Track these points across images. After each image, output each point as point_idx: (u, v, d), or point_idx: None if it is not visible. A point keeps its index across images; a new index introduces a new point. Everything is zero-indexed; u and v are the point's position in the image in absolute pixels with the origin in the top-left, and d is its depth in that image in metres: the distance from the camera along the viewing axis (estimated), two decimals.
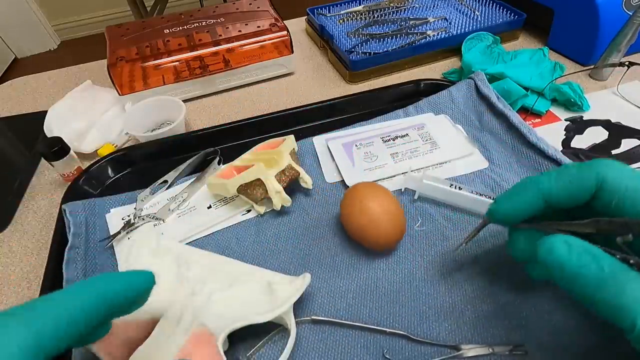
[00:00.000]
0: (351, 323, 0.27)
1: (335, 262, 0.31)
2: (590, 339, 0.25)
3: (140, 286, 0.18)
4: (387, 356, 0.25)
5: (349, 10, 0.64)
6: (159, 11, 1.63)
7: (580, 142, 0.41)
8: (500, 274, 0.29)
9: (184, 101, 0.48)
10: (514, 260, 0.25)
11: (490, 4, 0.60)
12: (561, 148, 0.41)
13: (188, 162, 0.40)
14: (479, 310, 0.27)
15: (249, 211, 0.36)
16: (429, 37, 0.55)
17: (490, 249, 0.31)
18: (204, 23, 0.56)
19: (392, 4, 0.64)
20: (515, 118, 0.39)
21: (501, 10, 0.59)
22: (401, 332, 0.26)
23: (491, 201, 0.32)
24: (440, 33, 0.56)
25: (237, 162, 0.38)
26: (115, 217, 0.36)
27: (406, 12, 0.63)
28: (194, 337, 0.24)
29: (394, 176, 0.37)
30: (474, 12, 0.59)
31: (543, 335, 0.26)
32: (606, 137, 0.42)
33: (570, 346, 0.25)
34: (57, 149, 0.39)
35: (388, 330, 0.26)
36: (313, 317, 0.27)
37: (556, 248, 0.18)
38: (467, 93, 0.44)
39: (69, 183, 0.40)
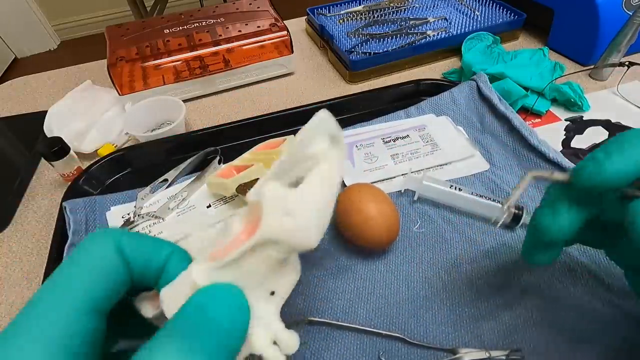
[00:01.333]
0: (347, 325, 0.27)
1: (332, 264, 0.31)
2: (587, 344, 0.25)
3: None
4: (383, 358, 0.25)
5: (349, 10, 0.63)
6: (159, 11, 1.63)
7: (580, 142, 0.41)
8: (498, 277, 0.29)
9: (184, 101, 0.48)
10: (539, 238, 0.20)
11: (490, 4, 0.60)
12: (561, 148, 0.41)
13: (188, 161, 0.40)
14: (477, 313, 0.27)
15: None
16: (429, 37, 0.55)
17: (490, 251, 0.31)
18: (204, 23, 0.56)
19: (392, 4, 0.64)
20: (517, 120, 0.39)
21: (501, 10, 0.59)
22: (397, 335, 0.26)
23: (492, 203, 0.32)
24: (440, 33, 0.56)
25: (237, 161, 0.38)
26: (115, 215, 0.36)
27: (406, 12, 0.63)
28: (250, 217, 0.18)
29: (394, 177, 0.37)
30: (474, 12, 0.59)
31: (540, 340, 0.26)
32: (606, 137, 0.42)
33: (566, 351, 0.25)
34: (57, 149, 0.39)
35: (384, 332, 0.26)
36: (309, 318, 0.27)
37: None
38: (469, 94, 0.44)
39: (69, 183, 0.40)
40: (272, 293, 0.15)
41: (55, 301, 0.13)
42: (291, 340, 0.15)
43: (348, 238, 0.31)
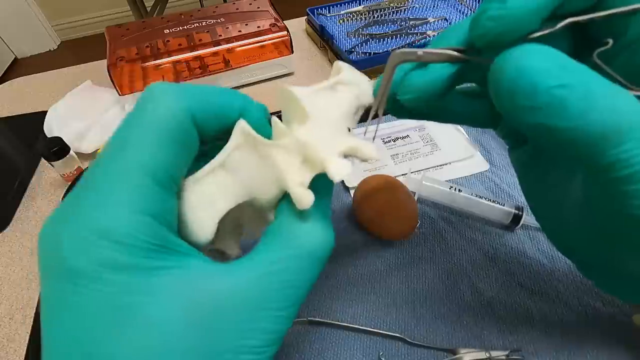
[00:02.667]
0: (348, 325, 0.27)
1: (332, 264, 0.31)
2: (587, 344, 0.25)
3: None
4: (383, 358, 0.25)
5: (349, 10, 0.63)
6: (159, 11, 1.63)
7: None
8: (498, 277, 0.29)
9: None
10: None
11: None
12: None
13: None
14: (476, 314, 0.27)
15: None
16: (429, 37, 0.55)
17: (490, 251, 0.31)
18: (204, 23, 0.56)
19: (392, 4, 0.64)
20: None
21: None
22: (397, 335, 0.26)
23: (492, 204, 0.32)
24: (440, 33, 0.56)
25: None
26: None
27: (406, 12, 0.63)
28: None
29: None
30: (474, 13, 0.59)
31: (540, 339, 0.26)
32: None
33: (566, 351, 0.25)
34: (57, 149, 0.39)
35: (384, 332, 0.26)
36: (310, 319, 0.27)
37: (531, 62, 0.12)
38: None
39: (69, 183, 0.40)
40: (349, 130, 0.18)
41: (123, 171, 0.13)
42: (367, 147, 0.16)
43: (370, 225, 0.31)
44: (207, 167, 0.15)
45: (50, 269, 0.13)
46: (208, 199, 0.15)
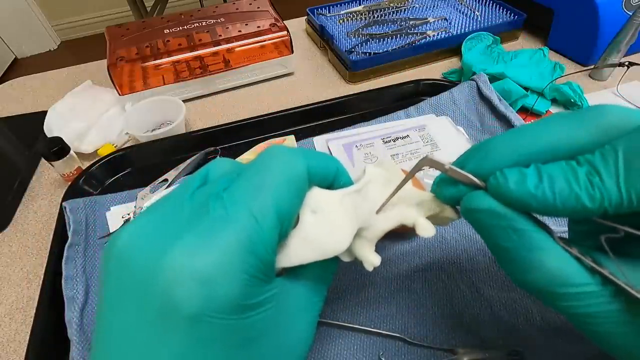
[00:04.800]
0: (347, 324, 0.27)
1: None
2: (587, 344, 0.25)
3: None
4: (383, 358, 0.25)
5: (349, 10, 0.63)
6: (159, 11, 1.63)
7: None
8: (498, 277, 0.29)
9: (184, 101, 0.48)
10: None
11: (490, 4, 0.60)
12: None
13: (188, 160, 0.40)
14: (476, 313, 0.27)
15: None
16: (429, 37, 0.55)
17: (489, 252, 0.31)
18: (204, 23, 0.56)
19: (392, 4, 0.64)
20: (517, 120, 0.39)
21: (501, 10, 0.59)
22: (397, 335, 0.26)
23: None
24: (440, 33, 0.56)
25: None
26: (115, 215, 0.36)
27: (406, 12, 0.63)
28: None
29: None
30: (474, 12, 0.59)
31: (539, 339, 0.26)
32: None
33: (566, 351, 0.25)
34: (57, 149, 0.39)
35: (384, 332, 0.26)
36: None
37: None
38: (469, 94, 0.44)
39: (69, 183, 0.40)
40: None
41: (255, 210, 0.15)
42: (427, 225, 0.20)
43: None
44: (346, 189, 0.18)
45: (136, 294, 0.14)
46: (350, 212, 0.18)
